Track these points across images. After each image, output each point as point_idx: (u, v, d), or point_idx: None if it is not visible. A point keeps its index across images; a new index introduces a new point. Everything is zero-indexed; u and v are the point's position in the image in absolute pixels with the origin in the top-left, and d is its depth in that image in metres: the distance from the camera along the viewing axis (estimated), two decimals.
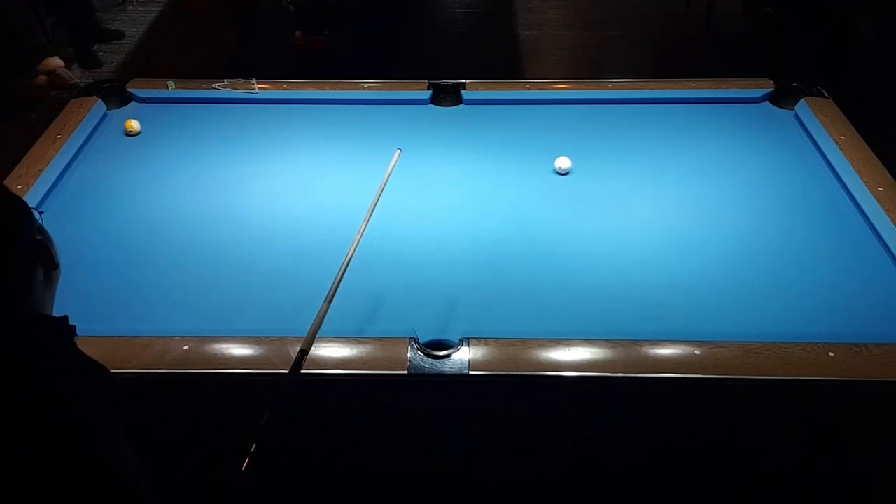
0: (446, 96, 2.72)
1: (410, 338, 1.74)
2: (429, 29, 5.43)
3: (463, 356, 1.70)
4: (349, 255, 1.71)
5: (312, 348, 1.72)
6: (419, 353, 1.70)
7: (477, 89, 2.73)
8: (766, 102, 2.69)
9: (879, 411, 1.78)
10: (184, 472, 2.26)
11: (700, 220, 2.18)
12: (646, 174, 2.37)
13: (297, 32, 4.67)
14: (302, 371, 1.69)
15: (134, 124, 2.54)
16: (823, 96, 2.62)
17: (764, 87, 2.71)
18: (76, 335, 1.11)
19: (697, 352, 1.70)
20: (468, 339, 1.74)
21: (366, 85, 2.78)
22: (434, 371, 1.68)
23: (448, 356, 1.70)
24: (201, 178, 2.36)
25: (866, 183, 2.20)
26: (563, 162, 2.36)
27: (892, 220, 2.06)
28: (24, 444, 0.89)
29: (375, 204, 1.84)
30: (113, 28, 5.26)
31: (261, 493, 2.22)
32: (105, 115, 2.63)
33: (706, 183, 2.32)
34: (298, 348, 1.55)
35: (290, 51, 4.68)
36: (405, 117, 2.64)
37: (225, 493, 1.31)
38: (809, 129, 2.50)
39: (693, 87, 2.74)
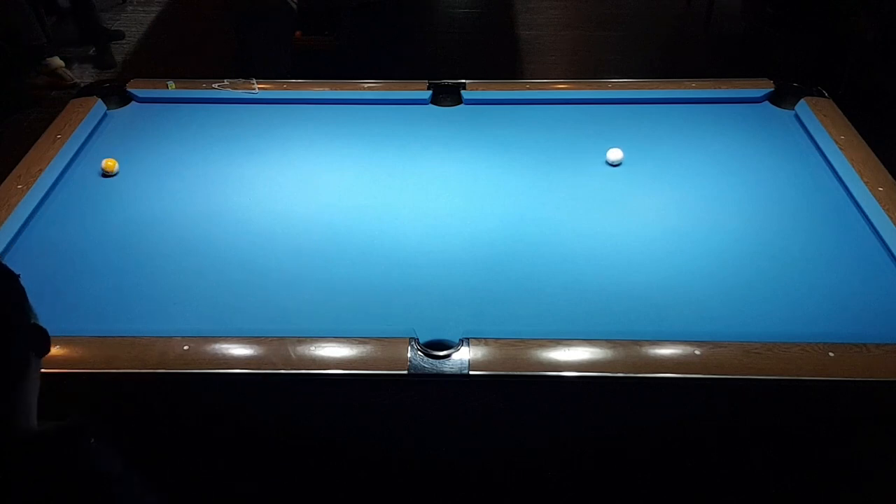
0: (446, 96, 2.71)
1: (410, 338, 1.74)
2: (429, 29, 5.43)
3: (463, 356, 1.70)
4: None
5: (312, 348, 1.72)
6: (419, 353, 1.70)
7: (477, 89, 2.73)
8: (766, 102, 2.69)
9: (880, 411, 1.78)
10: (184, 471, 2.25)
11: (700, 220, 2.18)
12: (646, 174, 2.37)
13: (297, 32, 4.67)
14: (300, 371, 1.69)
15: (111, 164, 2.34)
16: (823, 96, 2.62)
17: (764, 87, 2.71)
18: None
19: (697, 352, 1.70)
20: (468, 339, 1.73)
21: (366, 85, 2.78)
22: (434, 371, 1.68)
23: (448, 356, 1.70)
24: (201, 178, 2.36)
25: (866, 183, 2.19)
26: (614, 153, 2.38)
27: (892, 220, 2.06)
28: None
29: None
30: (113, 28, 5.27)
31: (261, 493, 2.22)
32: (105, 115, 2.63)
33: (706, 183, 2.32)
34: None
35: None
36: (405, 117, 2.64)
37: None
38: (809, 129, 2.50)
39: (693, 87, 2.74)
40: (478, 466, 2.10)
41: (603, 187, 2.31)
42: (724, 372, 1.67)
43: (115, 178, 2.36)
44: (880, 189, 2.17)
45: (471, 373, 1.67)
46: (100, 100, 2.64)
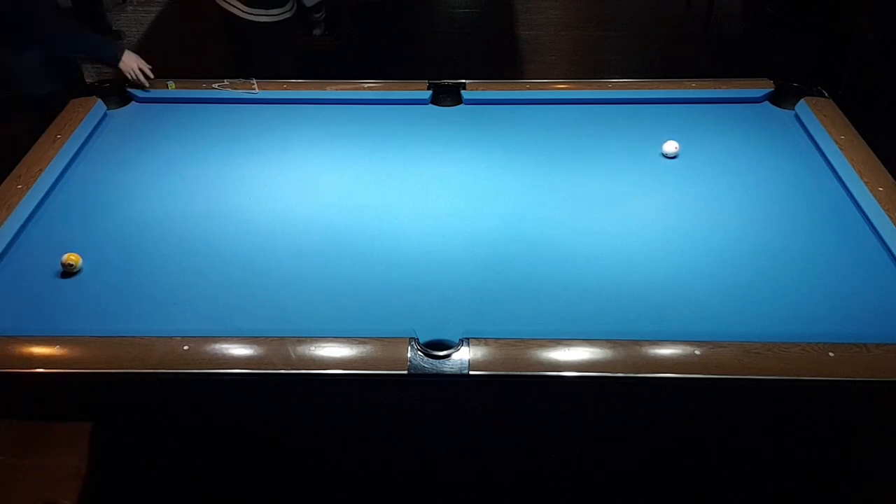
0: (446, 96, 2.72)
1: (410, 338, 1.74)
2: (429, 29, 5.43)
3: (463, 356, 1.70)
4: None
5: (312, 348, 1.72)
6: (419, 353, 1.70)
7: (477, 89, 2.73)
8: (766, 102, 2.69)
9: (879, 411, 1.78)
10: (184, 471, 2.26)
11: (700, 220, 2.18)
12: (646, 174, 2.37)
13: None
14: (300, 371, 1.69)
15: (75, 259, 1.99)
16: (823, 96, 2.62)
17: (764, 87, 2.71)
18: None
19: (697, 352, 1.70)
20: (468, 339, 1.74)
21: (366, 85, 2.78)
22: (434, 371, 1.68)
23: (448, 356, 1.70)
24: (201, 178, 2.36)
25: (866, 183, 2.20)
26: (670, 146, 2.39)
27: (892, 220, 2.06)
28: None
29: None
30: (113, 28, 5.26)
31: (261, 492, 2.22)
32: (105, 115, 2.63)
33: (706, 183, 2.33)
34: None
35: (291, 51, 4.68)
36: (405, 117, 2.64)
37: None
38: (809, 129, 2.50)
39: (693, 87, 2.74)
40: (478, 466, 2.10)
41: (602, 187, 2.31)
42: (724, 372, 1.67)
43: (114, 177, 2.36)
44: (880, 189, 2.17)
45: (471, 373, 1.67)
46: (100, 100, 2.64)
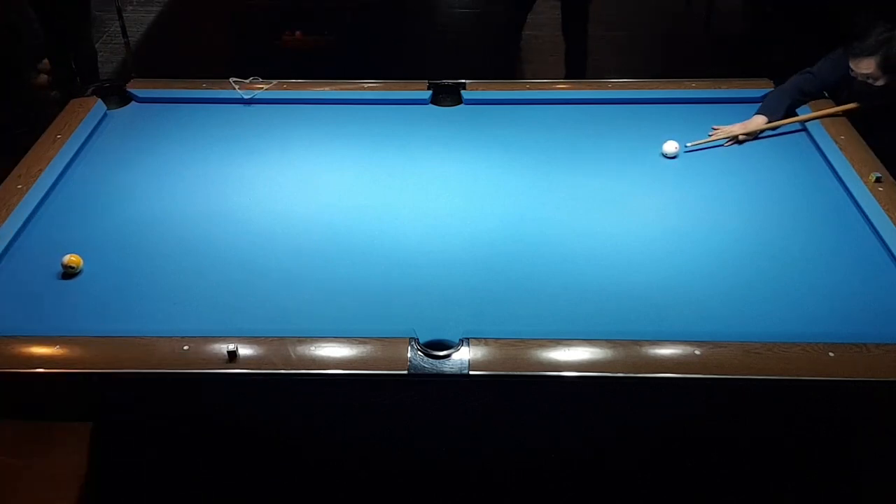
0: (446, 96, 2.72)
1: (410, 338, 1.73)
2: (429, 29, 5.43)
3: (463, 356, 1.70)
4: None
5: (312, 348, 1.72)
6: (419, 353, 1.70)
7: (477, 89, 2.73)
8: None
9: (879, 411, 1.78)
10: (184, 471, 2.26)
11: (700, 220, 2.18)
12: (646, 174, 2.37)
13: (297, 32, 4.67)
14: (300, 371, 1.70)
15: (76, 261, 1.99)
16: (823, 96, 2.62)
17: (764, 87, 2.71)
18: None
19: (697, 352, 1.70)
20: (468, 339, 1.73)
21: (366, 85, 2.78)
22: (434, 371, 1.68)
23: (448, 356, 1.70)
24: (201, 178, 2.36)
25: (866, 183, 2.20)
26: (670, 146, 2.40)
27: (892, 219, 2.06)
28: None
29: None
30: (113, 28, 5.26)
31: (261, 492, 2.22)
32: (105, 115, 2.63)
33: (706, 183, 2.33)
34: None
35: (290, 51, 4.68)
36: (405, 117, 2.64)
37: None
38: (809, 128, 2.50)
39: (693, 87, 2.74)
40: (478, 466, 2.10)
41: (602, 187, 2.31)
42: (724, 372, 1.67)
43: (114, 177, 2.36)
44: (880, 189, 2.17)
45: (471, 373, 1.67)
46: (100, 100, 2.64)
